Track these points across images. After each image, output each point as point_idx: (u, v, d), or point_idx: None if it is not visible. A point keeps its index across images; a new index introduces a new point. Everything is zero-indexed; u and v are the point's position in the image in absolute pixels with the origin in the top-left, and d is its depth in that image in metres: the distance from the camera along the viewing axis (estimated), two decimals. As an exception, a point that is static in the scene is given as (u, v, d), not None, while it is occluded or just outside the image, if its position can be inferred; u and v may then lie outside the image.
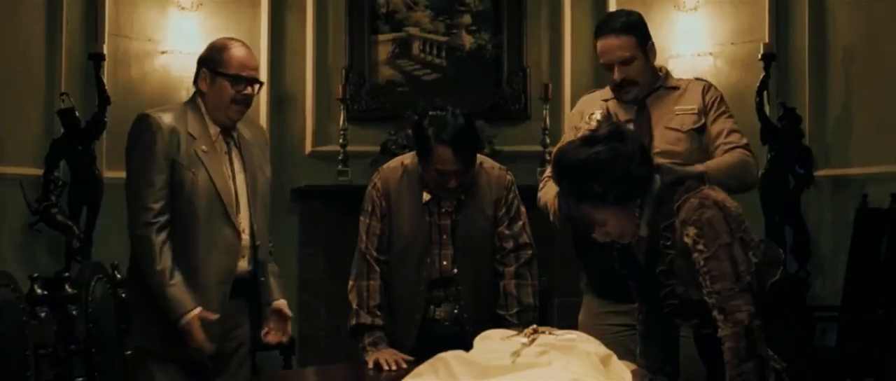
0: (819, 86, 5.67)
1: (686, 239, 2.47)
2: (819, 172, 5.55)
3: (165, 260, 3.08)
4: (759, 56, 5.56)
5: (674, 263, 2.51)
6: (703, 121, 3.33)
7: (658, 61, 3.50)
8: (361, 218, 3.38)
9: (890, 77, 5.15)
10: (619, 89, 3.36)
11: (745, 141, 3.33)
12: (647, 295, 2.69)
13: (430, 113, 3.27)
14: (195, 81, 3.31)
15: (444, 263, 3.33)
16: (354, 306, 3.33)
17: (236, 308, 3.30)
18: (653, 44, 3.39)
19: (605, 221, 2.53)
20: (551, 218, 3.40)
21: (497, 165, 3.46)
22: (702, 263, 2.44)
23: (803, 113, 5.57)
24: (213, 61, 3.27)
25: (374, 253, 3.33)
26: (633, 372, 2.68)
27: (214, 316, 3.12)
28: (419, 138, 3.26)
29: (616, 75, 3.33)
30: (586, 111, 3.45)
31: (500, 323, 3.22)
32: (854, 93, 5.47)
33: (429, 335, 3.30)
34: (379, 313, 3.31)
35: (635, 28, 3.33)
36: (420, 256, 3.32)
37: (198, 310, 3.10)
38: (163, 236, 3.10)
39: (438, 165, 3.20)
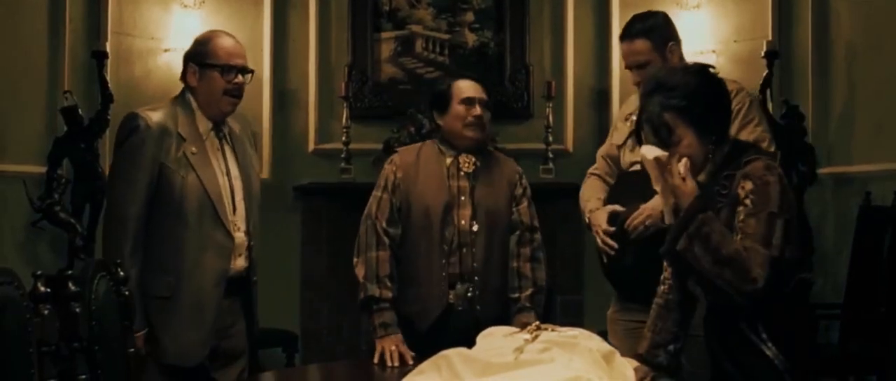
0: (822, 83, 5.66)
1: (740, 190, 2.52)
2: (822, 170, 5.54)
3: (130, 269, 3.08)
4: (762, 54, 5.56)
5: (720, 212, 2.54)
6: None
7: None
8: (374, 192, 3.44)
9: (893, 74, 5.14)
10: None
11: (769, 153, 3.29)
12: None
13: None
14: (183, 78, 3.28)
15: (463, 222, 3.38)
16: (361, 278, 3.33)
17: (232, 306, 3.31)
18: (675, 45, 3.42)
19: (681, 138, 2.59)
20: (585, 218, 3.49)
21: (507, 157, 3.65)
22: (742, 216, 2.49)
23: (806, 111, 5.56)
24: (199, 54, 3.24)
25: (383, 224, 3.36)
26: (636, 369, 2.69)
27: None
28: (438, 94, 3.50)
29: (633, 79, 3.38)
30: (629, 109, 3.49)
31: (511, 307, 3.35)
32: (857, 90, 5.46)
33: (447, 316, 3.35)
34: (389, 283, 3.31)
35: (652, 32, 3.39)
36: (443, 215, 3.37)
37: (145, 331, 3.15)
38: (132, 243, 3.12)
39: (463, 94, 3.43)
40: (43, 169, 5.22)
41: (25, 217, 5.16)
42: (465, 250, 3.36)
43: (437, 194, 3.39)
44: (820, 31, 5.67)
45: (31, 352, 2.40)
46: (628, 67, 3.44)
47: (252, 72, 3.33)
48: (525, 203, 3.49)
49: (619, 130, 3.56)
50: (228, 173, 3.26)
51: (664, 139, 2.60)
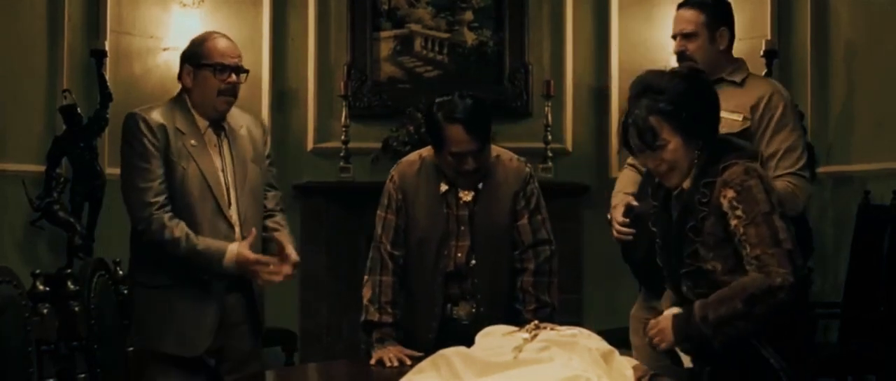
0: (821, 82, 5.66)
1: (722, 200, 2.51)
2: (821, 169, 5.54)
3: (181, 229, 3.11)
4: (762, 52, 5.55)
5: (704, 220, 2.53)
6: (746, 127, 3.22)
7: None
8: (378, 211, 3.36)
9: (892, 73, 5.14)
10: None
11: (800, 164, 3.22)
12: (669, 258, 2.68)
13: (437, 100, 3.25)
14: (179, 78, 3.30)
15: (460, 254, 3.29)
16: (365, 301, 3.30)
17: (237, 304, 3.30)
18: (725, 31, 3.36)
19: (666, 142, 2.58)
20: (609, 215, 3.36)
21: (515, 156, 3.42)
22: (741, 229, 2.48)
23: (805, 109, 5.55)
24: (194, 55, 3.27)
25: (389, 248, 3.31)
26: (634, 367, 2.69)
27: (252, 237, 3.15)
28: (430, 126, 3.24)
29: (675, 47, 3.36)
30: None
31: (517, 318, 3.19)
32: (856, 89, 5.46)
33: (448, 331, 3.27)
34: (390, 310, 3.28)
35: (709, 7, 3.35)
36: (437, 248, 3.29)
37: (237, 244, 3.14)
38: (169, 215, 3.13)
39: (453, 147, 3.17)
40: (42, 168, 5.21)
41: (24, 216, 5.16)
42: (464, 278, 3.31)
43: (434, 226, 3.29)
44: (819, 29, 5.66)
45: (31, 351, 2.40)
46: (674, 34, 3.39)
47: (246, 71, 3.33)
48: (525, 218, 3.32)
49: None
50: (224, 169, 3.26)
51: (649, 143, 2.59)
